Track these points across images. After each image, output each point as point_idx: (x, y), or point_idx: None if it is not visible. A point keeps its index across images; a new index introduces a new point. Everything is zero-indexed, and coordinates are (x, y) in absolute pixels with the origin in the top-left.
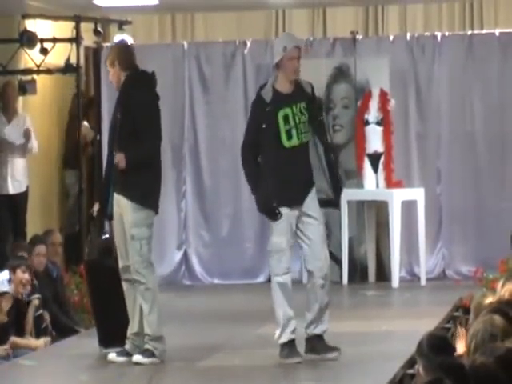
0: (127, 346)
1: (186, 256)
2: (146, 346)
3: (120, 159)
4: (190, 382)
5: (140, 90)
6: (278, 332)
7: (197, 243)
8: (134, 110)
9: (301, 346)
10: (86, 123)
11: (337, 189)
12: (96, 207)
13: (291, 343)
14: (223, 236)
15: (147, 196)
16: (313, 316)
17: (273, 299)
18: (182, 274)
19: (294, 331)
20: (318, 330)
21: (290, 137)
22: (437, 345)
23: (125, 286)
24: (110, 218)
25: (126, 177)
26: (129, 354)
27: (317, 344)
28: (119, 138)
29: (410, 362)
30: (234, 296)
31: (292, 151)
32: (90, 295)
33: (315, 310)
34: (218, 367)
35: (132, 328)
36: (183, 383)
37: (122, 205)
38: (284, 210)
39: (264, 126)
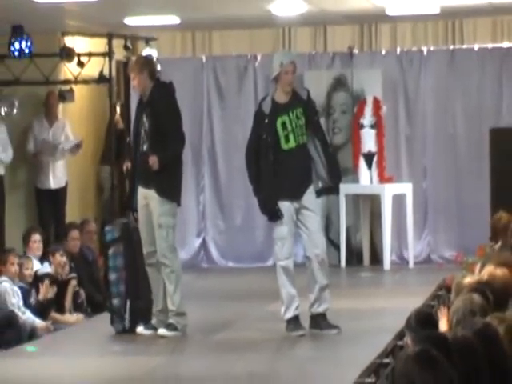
0: (153, 321)
1: (204, 242)
2: (170, 321)
3: (153, 161)
4: (207, 353)
5: (167, 98)
6: (283, 309)
7: (213, 231)
8: (163, 116)
9: (305, 323)
10: (118, 115)
11: (334, 177)
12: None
13: (296, 318)
14: (237, 224)
15: (173, 191)
16: (314, 296)
17: (278, 281)
18: (200, 258)
19: (297, 308)
20: (320, 309)
21: (287, 140)
22: (423, 320)
23: (149, 270)
24: (135, 210)
25: (155, 174)
26: (155, 328)
27: (320, 321)
28: (150, 141)
29: (400, 335)
30: (246, 277)
31: (290, 152)
32: (131, 261)
33: (316, 290)
34: (231, 340)
35: (157, 306)
36: (201, 353)
37: (149, 198)
38: (285, 203)
39: (264, 136)
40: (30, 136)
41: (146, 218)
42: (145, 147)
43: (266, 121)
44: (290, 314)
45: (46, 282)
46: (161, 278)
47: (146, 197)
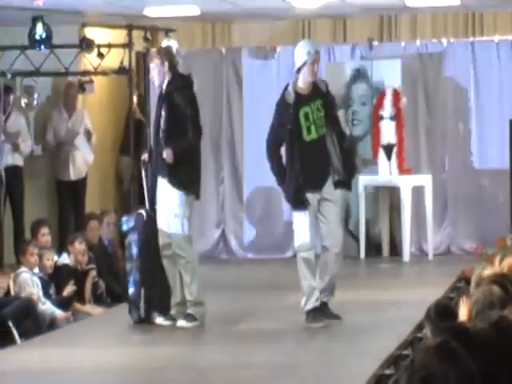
0: (172, 312)
1: (223, 234)
2: (188, 311)
3: (168, 154)
4: (227, 344)
5: (185, 90)
6: (303, 300)
7: (233, 222)
8: (180, 108)
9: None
10: (135, 105)
11: (349, 172)
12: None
13: (315, 310)
14: (256, 216)
15: (188, 182)
16: (324, 286)
17: (298, 272)
18: (219, 250)
19: (317, 299)
20: (326, 299)
21: (309, 132)
22: (442, 312)
23: (165, 261)
24: (153, 203)
25: (172, 166)
26: (173, 319)
27: (325, 310)
28: (166, 134)
29: (419, 327)
30: (266, 269)
31: (311, 144)
32: (147, 251)
33: (326, 281)
34: (251, 330)
35: (175, 298)
36: (221, 344)
37: (167, 189)
38: (309, 195)
39: (290, 127)
40: (49, 127)
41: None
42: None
43: (291, 111)
44: (310, 306)
45: (71, 284)
46: (177, 269)
47: (164, 188)
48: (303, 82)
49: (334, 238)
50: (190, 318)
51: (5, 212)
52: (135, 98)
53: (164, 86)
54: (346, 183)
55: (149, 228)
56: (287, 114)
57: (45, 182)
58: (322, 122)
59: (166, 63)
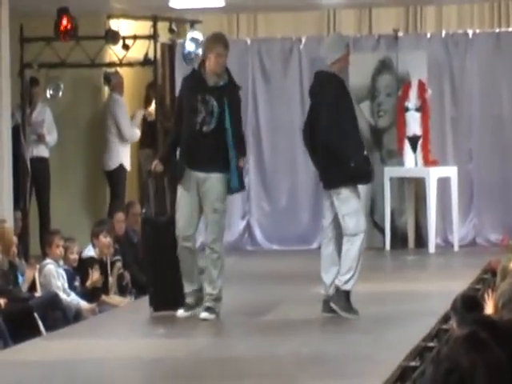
0: (189, 301)
1: (248, 225)
2: (209, 305)
3: (243, 163)
4: (252, 334)
5: (238, 89)
6: (347, 277)
7: (258, 213)
8: (238, 106)
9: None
10: (152, 109)
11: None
12: (156, 165)
13: (349, 296)
14: (281, 207)
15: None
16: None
17: (353, 253)
18: (245, 241)
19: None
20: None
21: None
22: (469, 303)
23: (184, 251)
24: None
25: (222, 161)
26: (192, 307)
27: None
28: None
29: (445, 318)
30: (291, 260)
31: None
32: (144, 251)
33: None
34: (276, 321)
35: (193, 285)
36: (246, 335)
37: (205, 181)
38: None
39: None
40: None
41: (192, 201)
42: (205, 128)
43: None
44: (350, 286)
45: (96, 273)
46: (195, 260)
47: (199, 180)
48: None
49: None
50: (210, 310)
51: (30, 204)
52: (154, 103)
53: (217, 76)
54: None
55: (148, 228)
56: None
57: (71, 173)
58: None
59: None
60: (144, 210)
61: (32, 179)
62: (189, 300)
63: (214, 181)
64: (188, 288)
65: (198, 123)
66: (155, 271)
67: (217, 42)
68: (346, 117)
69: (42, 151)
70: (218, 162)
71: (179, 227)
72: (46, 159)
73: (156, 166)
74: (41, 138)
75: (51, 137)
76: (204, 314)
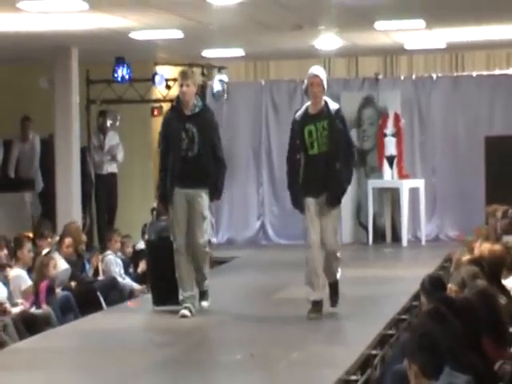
0: (188, 304)
1: (262, 224)
2: (205, 288)
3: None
4: (267, 308)
5: (214, 117)
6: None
7: (270, 215)
8: (215, 130)
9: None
10: None
11: (331, 191)
12: (158, 205)
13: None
14: (288, 210)
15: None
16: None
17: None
18: (260, 237)
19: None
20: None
21: (312, 147)
22: (434, 282)
23: (186, 259)
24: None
25: (207, 179)
26: (190, 309)
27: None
28: (200, 150)
29: (415, 297)
30: (296, 252)
31: (314, 157)
32: (149, 267)
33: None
34: (287, 298)
35: (191, 291)
36: (262, 309)
37: (195, 196)
38: (308, 199)
39: (298, 142)
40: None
41: (185, 215)
42: (190, 153)
43: (298, 128)
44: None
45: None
46: (191, 266)
47: (189, 196)
48: (310, 103)
49: (328, 245)
50: (206, 295)
51: (91, 208)
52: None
53: (189, 106)
54: (328, 199)
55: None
56: (295, 130)
57: (136, 186)
58: (324, 140)
59: (196, 86)
60: (148, 236)
61: (106, 190)
62: (187, 304)
63: (202, 194)
64: (187, 293)
65: (183, 149)
66: (160, 282)
67: (179, 76)
68: None
69: (113, 168)
70: (204, 180)
71: (177, 240)
72: (116, 174)
73: (158, 206)
74: (113, 158)
75: (120, 155)
76: (205, 304)
